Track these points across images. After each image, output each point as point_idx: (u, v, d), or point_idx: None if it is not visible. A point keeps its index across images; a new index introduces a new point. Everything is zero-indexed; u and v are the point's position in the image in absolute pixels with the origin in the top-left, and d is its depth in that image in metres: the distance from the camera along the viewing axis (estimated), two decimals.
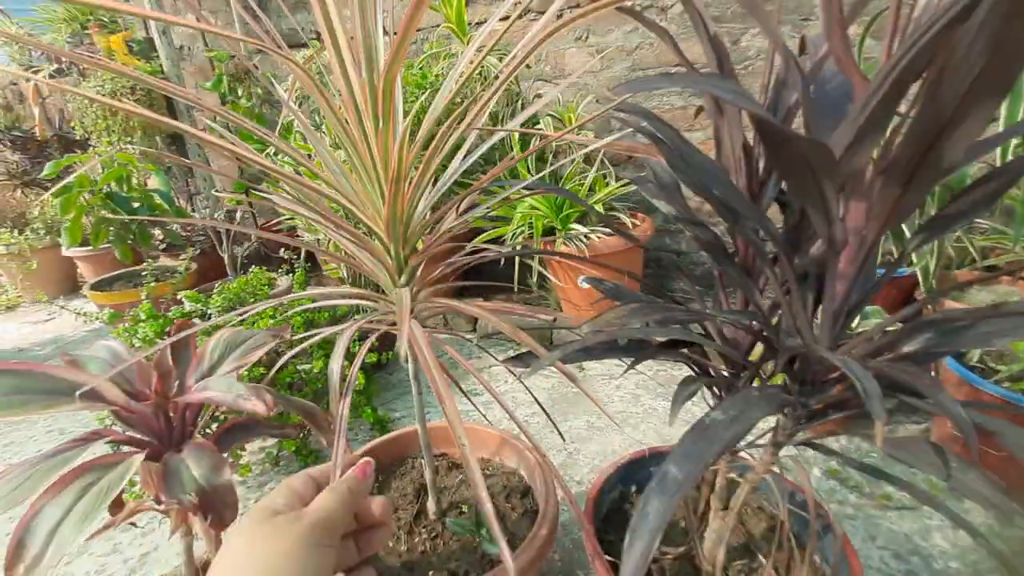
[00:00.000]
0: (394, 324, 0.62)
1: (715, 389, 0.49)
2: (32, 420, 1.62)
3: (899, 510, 1.00)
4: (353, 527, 0.44)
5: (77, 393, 0.43)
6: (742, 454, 0.58)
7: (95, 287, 2.00)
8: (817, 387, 0.44)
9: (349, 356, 1.30)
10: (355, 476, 0.43)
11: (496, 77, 1.52)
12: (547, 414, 0.70)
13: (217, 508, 0.43)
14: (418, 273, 0.58)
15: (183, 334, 0.47)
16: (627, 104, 0.41)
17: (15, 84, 3.29)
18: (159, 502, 0.53)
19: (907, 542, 0.93)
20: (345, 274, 1.59)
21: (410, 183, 0.50)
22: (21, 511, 0.40)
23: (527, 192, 0.57)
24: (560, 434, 0.77)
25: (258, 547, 0.32)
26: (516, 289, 1.93)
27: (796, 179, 0.31)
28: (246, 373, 1.02)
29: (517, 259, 1.47)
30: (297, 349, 0.56)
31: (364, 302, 0.59)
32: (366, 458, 0.45)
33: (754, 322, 0.39)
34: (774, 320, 0.46)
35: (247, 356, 0.56)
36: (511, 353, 0.98)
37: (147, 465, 0.47)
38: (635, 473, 0.78)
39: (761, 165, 0.50)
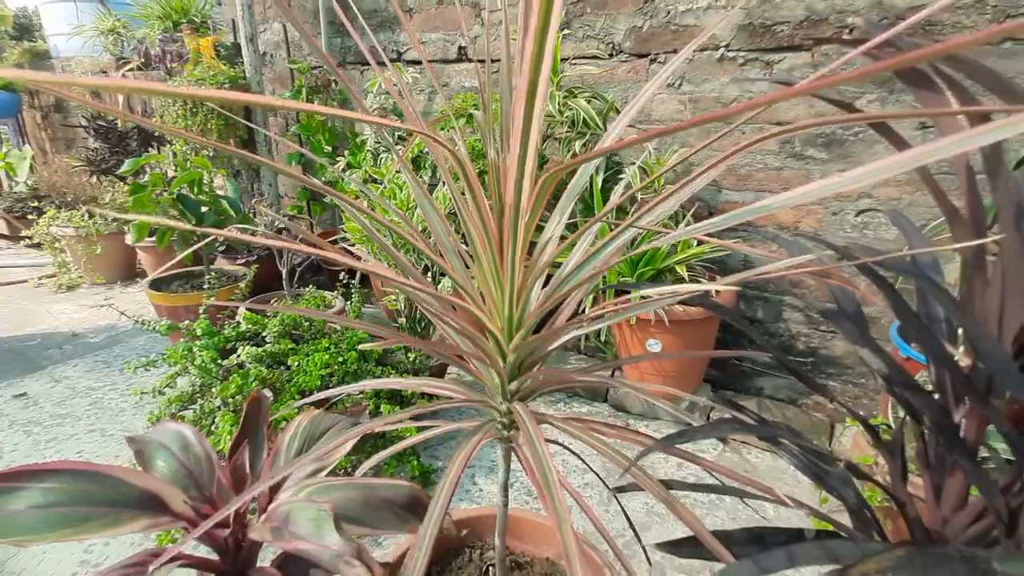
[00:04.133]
0: (501, 434, 0.53)
1: None
2: None
3: None
4: None
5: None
6: None
7: (153, 286, 2.02)
8: None
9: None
10: None
11: (585, 123, 1.45)
12: (634, 530, 0.60)
13: None
14: (527, 384, 0.50)
15: (252, 407, 0.39)
16: (850, 243, 0.31)
17: (104, 72, 3.45)
18: None
19: None
20: (402, 306, 1.53)
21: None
22: None
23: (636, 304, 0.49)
24: (647, 556, 0.66)
25: None
26: (582, 347, 1.85)
27: None
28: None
29: None
30: (393, 449, 0.48)
31: (469, 404, 0.51)
32: None
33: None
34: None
35: (328, 456, 0.48)
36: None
37: None
38: None
39: None
